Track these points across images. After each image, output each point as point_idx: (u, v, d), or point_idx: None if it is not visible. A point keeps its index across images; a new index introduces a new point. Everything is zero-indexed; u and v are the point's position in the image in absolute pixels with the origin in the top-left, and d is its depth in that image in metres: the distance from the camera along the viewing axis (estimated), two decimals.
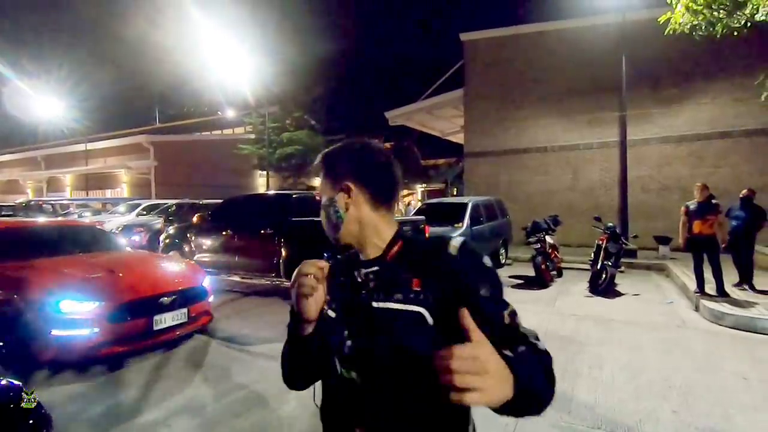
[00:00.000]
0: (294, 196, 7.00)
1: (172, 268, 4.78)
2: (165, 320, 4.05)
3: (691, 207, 6.18)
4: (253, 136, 22.08)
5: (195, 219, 7.34)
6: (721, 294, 5.87)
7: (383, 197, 0.93)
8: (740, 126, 10.72)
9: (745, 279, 6.30)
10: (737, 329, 4.94)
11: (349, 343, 0.87)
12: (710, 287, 5.99)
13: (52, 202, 17.48)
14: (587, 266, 7.36)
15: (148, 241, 11.03)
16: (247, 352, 4.37)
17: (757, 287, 6.21)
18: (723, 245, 6.03)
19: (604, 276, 6.88)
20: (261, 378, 3.63)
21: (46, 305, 3.54)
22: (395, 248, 0.91)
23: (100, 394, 3.37)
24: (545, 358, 0.79)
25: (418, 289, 0.83)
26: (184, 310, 4.23)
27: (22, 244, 4.58)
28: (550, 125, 12.97)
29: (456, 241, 0.87)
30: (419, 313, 0.82)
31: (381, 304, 0.85)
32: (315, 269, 0.85)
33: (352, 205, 0.91)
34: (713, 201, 6.09)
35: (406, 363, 0.81)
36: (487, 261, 0.86)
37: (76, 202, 18.01)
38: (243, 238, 6.79)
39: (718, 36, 7.56)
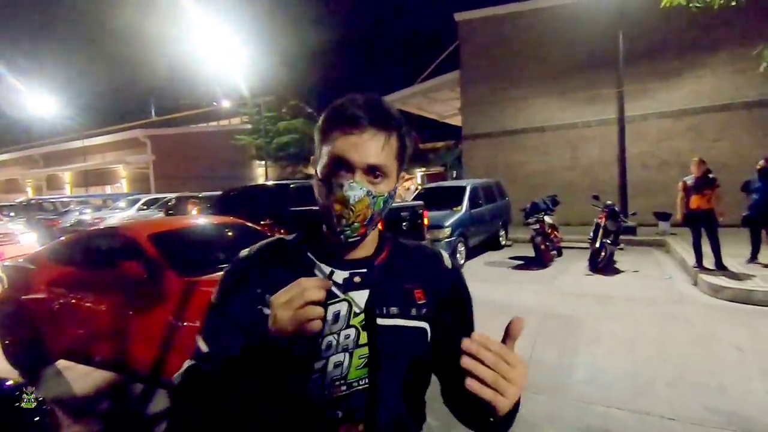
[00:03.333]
0: (292, 185, 7.01)
1: None
2: None
3: (689, 182, 6.16)
4: (249, 127, 21.93)
5: (195, 212, 7.37)
6: (720, 268, 5.90)
7: None
8: (740, 98, 10.60)
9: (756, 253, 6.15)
10: (735, 302, 4.99)
11: (341, 367, 0.72)
12: (710, 262, 6.02)
13: (53, 200, 17.53)
14: (587, 245, 7.40)
15: None
16: None
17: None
18: (721, 218, 6.02)
19: (603, 254, 6.91)
20: None
21: None
22: (385, 252, 0.80)
23: None
24: None
25: (423, 302, 0.77)
26: None
27: (218, 249, 3.63)
28: (547, 104, 12.85)
29: (446, 253, 0.87)
30: (423, 329, 0.76)
31: (387, 321, 0.74)
32: (323, 294, 0.62)
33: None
34: (710, 175, 6.07)
35: (408, 382, 0.76)
36: None
37: (77, 199, 18.06)
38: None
39: (715, 6, 7.43)
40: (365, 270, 0.76)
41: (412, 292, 0.76)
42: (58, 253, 3.79)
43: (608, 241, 7.00)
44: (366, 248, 0.78)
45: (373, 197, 0.71)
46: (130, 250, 3.21)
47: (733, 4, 7.18)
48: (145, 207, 13.73)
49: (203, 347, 0.73)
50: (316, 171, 0.75)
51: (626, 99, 10.79)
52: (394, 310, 0.74)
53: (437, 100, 17.15)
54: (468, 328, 0.83)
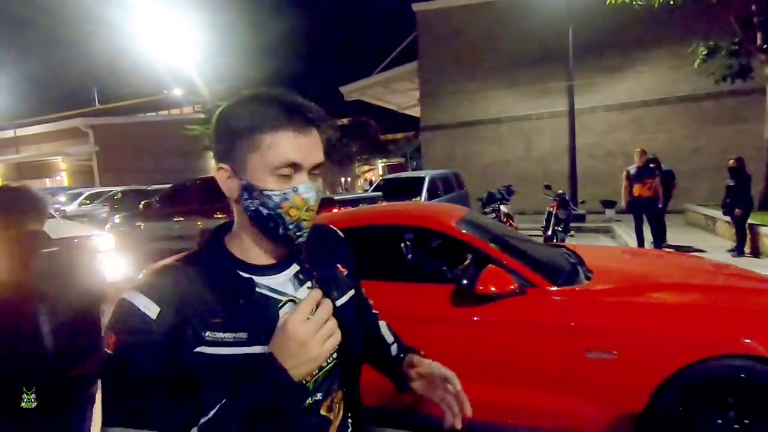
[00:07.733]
0: None
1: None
2: None
3: (632, 171, 6.54)
4: (202, 116, 21.00)
5: (141, 206, 6.99)
6: None
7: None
8: (676, 92, 11.35)
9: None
10: None
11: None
12: (651, 246, 6.43)
13: None
14: (540, 232, 7.69)
15: None
16: None
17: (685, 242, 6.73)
18: (660, 205, 6.45)
19: (554, 241, 7.22)
20: None
21: None
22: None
23: None
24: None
25: (346, 272, 0.85)
26: None
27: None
28: (502, 96, 13.18)
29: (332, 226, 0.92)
30: (353, 295, 0.85)
31: (341, 300, 0.80)
32: (329, 305, 0.67)
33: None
34: (651, 165, 6.47)
35: (359, 348, 0.85)
36: None
37: None
38: (194, 223, 6.56)
39: (656, 5, 7.85)
40: (298, 267, 0.76)
41: (334, 267, 0.83)
42: None
43: (559, 229, 7.32)
44: (266, 254, 0.75)
45: (318, 194, 0.71)
46: (459, 251, 2.39)
47: (671, 3, 7.63)
48: (87, 202, 12.85)
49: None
50: (246, 175, 0.66)
51: (575, 92, 11.27)
52: (335, 289, 0.79)
53: (396, 90, 17.15)
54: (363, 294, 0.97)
